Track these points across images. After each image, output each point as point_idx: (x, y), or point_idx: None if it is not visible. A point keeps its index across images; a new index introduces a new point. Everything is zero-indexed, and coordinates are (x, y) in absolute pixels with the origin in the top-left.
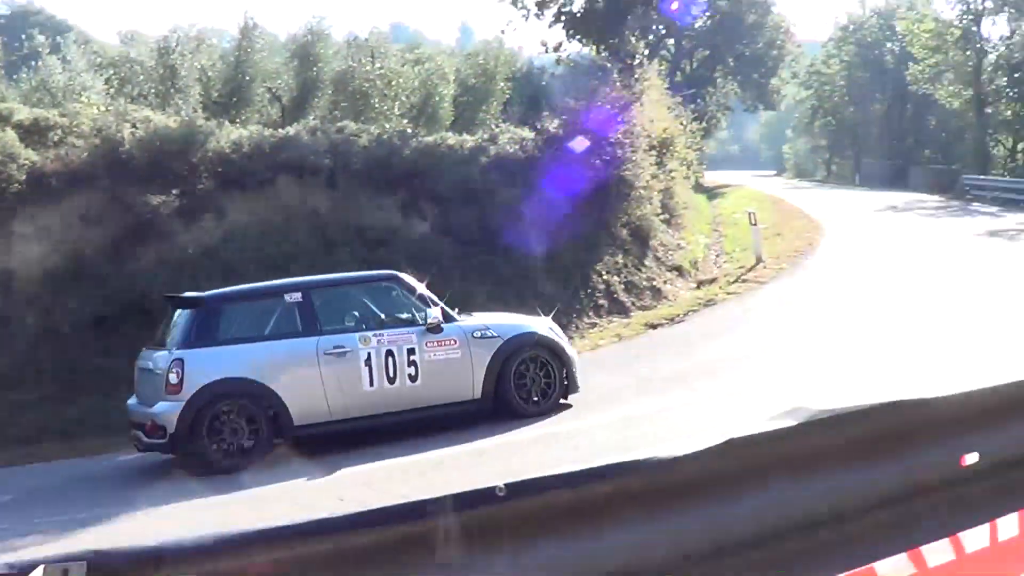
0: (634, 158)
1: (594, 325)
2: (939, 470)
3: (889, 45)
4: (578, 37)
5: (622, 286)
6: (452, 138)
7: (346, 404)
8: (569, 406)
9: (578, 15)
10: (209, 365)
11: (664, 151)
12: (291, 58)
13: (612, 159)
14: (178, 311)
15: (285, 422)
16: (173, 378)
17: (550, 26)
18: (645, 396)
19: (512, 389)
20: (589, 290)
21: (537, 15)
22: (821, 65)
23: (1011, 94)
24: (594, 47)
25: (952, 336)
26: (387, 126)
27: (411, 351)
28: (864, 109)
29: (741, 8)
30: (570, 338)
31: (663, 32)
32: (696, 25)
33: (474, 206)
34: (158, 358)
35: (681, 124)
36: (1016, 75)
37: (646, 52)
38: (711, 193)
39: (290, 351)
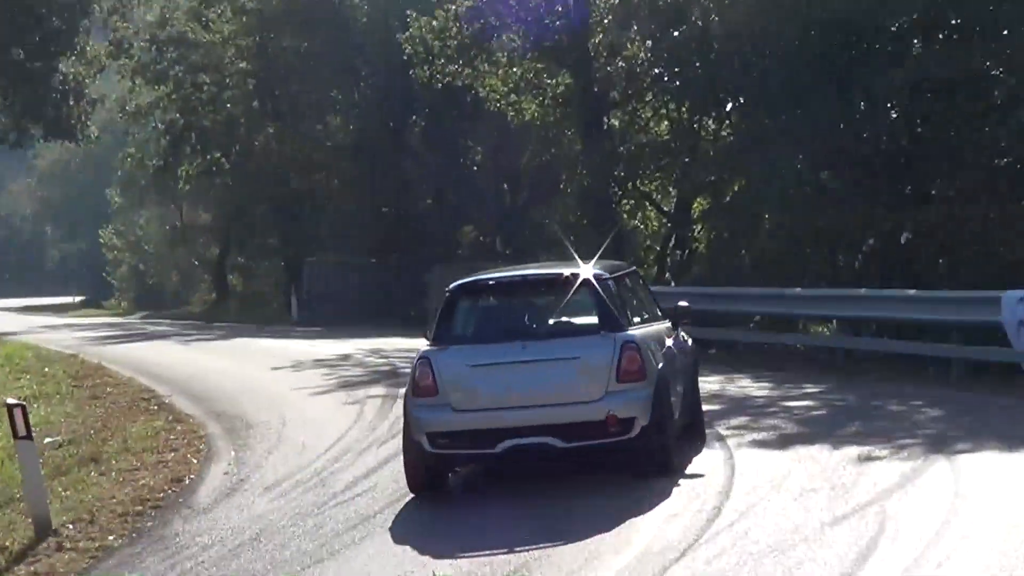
0: None
1: None
2: None
3: None
4: None
5: None
6: None
7: None
8: None
9: None
10: (649, 347)
11: None
12: None
13: None
14: (548, 289)
15: None
16: (631, 364)
17: None
18: None
19: None
20: None
21: None
22: (186, 24)
23: (670, 90)
24: None
25: None
26: None
27: None
28: (309, 125)
29: None
30: None
31: None
32: None
33: None
34: (580, 344)
35: None
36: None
37: None
38: None
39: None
